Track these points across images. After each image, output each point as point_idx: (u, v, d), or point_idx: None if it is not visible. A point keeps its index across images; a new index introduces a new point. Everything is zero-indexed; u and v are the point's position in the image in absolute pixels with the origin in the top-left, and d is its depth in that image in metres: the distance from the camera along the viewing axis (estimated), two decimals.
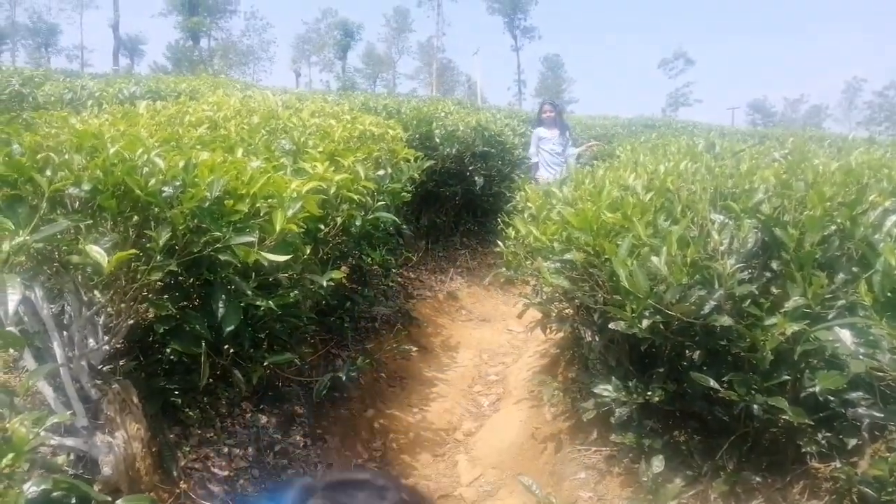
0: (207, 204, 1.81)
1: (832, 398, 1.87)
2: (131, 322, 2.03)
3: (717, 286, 1.88)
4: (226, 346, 2.41)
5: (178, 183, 1.81)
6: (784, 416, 1.87)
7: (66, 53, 57.72)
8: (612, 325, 2.03)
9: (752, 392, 1.93)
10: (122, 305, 1.93)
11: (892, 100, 70.31)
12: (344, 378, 3.04)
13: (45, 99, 4.01)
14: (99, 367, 2.05)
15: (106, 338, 2.01)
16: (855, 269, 1.92)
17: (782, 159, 2.71)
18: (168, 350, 2.26)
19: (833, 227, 1.97)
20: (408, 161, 3.70)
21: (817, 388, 1.69)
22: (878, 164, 2.44)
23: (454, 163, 5.84)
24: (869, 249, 1.86)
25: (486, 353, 4.63)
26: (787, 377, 1.87)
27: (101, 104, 3.87)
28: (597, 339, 2.63)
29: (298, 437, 2.79)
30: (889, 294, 1.76)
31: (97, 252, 1.55)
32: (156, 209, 1.77)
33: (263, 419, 2.74)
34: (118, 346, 2.19)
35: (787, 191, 2.14)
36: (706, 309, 1.86)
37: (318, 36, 62.95)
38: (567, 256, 2.25)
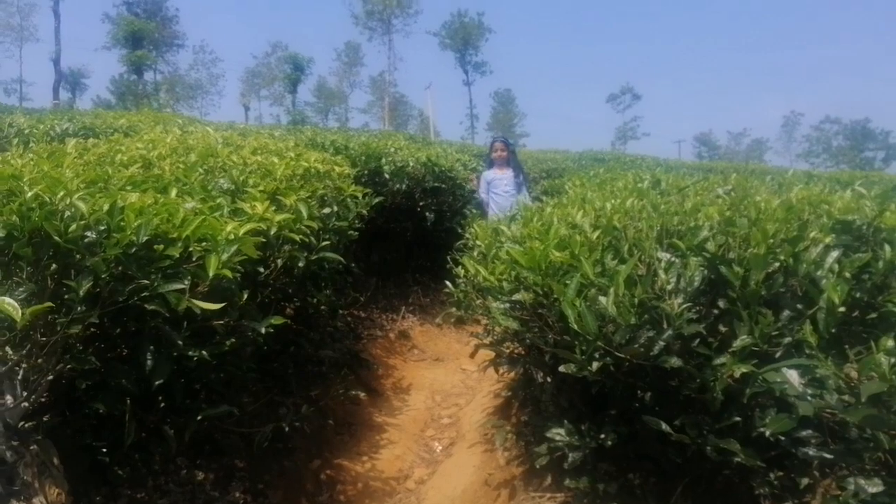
0: (134, 249, 1.70)
1: (782, 437, 1.86)
2: (51, 377, 1.88)
3: (665, 326, 1.86)
4: (158, 399, 2.26)
5: (102, 227, 1.70)
6: (737, 459, 1.85)
7: (5, 87, 56.12)
8: (562, 368, 1.98)
9: (704, 434, 1.90)
10: (40, 361, 1.78)
11: (827, 133, 74.47)
12: (287, 428, 2.90)
13: None
14: (18, 426, 1.89)
15: (24, 394, 1.86)
16: (799, 306, 1.93)
17: (726, 195, 2.76)
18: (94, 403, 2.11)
19: (777, 264, 1.99)
20: (355, 198, 3.62)
21: (767, 432, 1.66)
22: (817, 200, 2.49)
23: (404, 198, 5.80)
24: (812, 286, 1.87)
25: (439, 395, 4.53)
26: (738, 418, 1.85)
27: (29, 142, 3.69)
28: (549, 380, 2.57)
29: (238, 494, 2.63)
30: (833, 332, 1.78)
31: (9, 304, 1.43)
32: (77, 256, 1.65)
33: (200, 475, 2.58)
34: (40, 400, 2.03)
35: (731, 228, 2.15)
36: (655, 350, 1.83)
37: (268, 70, 63.09)
38: (516, 297, 2.20)
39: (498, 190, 6.60)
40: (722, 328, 2.01)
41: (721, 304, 2.01)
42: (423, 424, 4.06)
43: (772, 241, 2.00)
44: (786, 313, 1.94)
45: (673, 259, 2.00)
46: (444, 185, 6.34)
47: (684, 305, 1.83)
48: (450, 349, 5.56)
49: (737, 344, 1.79)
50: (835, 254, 1.96)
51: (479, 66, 60.08)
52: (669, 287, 1.89)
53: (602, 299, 1.80)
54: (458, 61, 59.58)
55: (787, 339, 1.88)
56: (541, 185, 8.66)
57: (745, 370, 1.69)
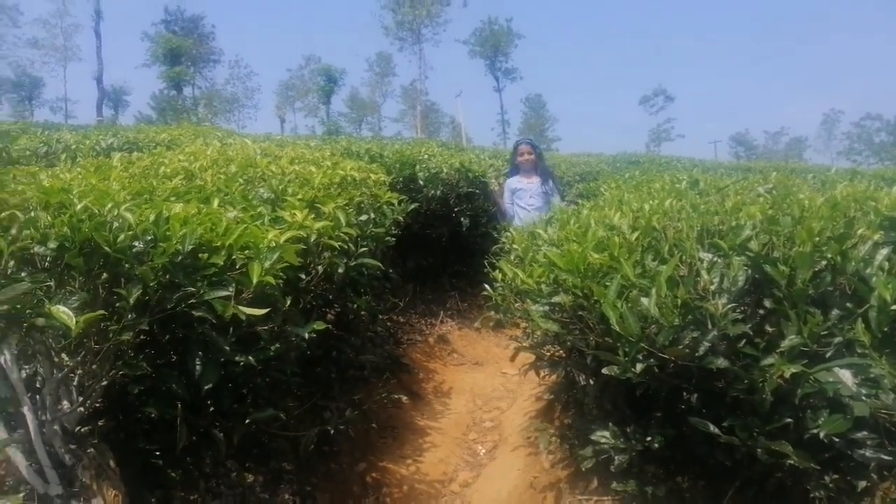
0: (180, 258, 1.75)
1: (837, 439, 1.80)
2: (105, 383, 1.94)
3: (710, 327, 1.82)
4: (207, 403, 2.31)
5: (149, 237, 1.75)
6: (789, 461, 1.80)
7: (51, 106, 58.40)
8: (605, 371, 1.96)
9: (755, 435, 1.85)
10: (94, 367, 1.84)
11: (869, 130, 72.23)
12: (332, 431, 2.93)
13: (20, 154, 3.96)
14: (74, 430, 1.95)
15: (80, 399, 1.92)
16: (849, 305, 1.88)
17: (767, 194, 2.69)
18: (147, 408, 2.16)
19: (823, 263, 1.93)
20: (391, 205, 3.65)
21: (821, 434, 1.62)
22: (863, 197, 2.42)
23: (439, 204, 5.81)
24: (861, 284, 1.81)
25: (479, 399, 4.52)
26: (789, 420, 1.80)
27: (76, 157, 3.83)
28: (591, 382, 2.55)
29: (287, 496, 2.67)
30: (886, 330, 1.72)
31: (64, 313, 1.48)
32: (126, 265, 1.70)
33: (250, 478, 2.62)
34: (95, 406, 2.09)
35: (774, 227, 2.10)
36: (700, 350, 1.80)
37: (302, 82, 64.17)
38: (555, 299, 2.19)
39: (522, 202, 5.90)
40: (768, 328, 1.97)
41: (767, 303, 1.97)
42: (466, 428, 4.06)
43: (818, 238, 1.95)
44: (834, 312, 1.88)
45: (715, 259, 1.96)
46: (477, 191, 6.34)
47: (729, 306, 1.79)
48: (489, 353, 5.55)
49: (785, 344, 1.75)
50: (884, 251, 1.90)
51: (510, 72, 60.11)
52: (713, 287, 1.85)
53: (644, 300, 1.78)
54: (488, 68, 59.71)
55: (838, 339, 1.82)
56: (575, 188, 8.57)
57: (795, 371, 1.65)
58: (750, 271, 1.93)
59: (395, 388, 4.06)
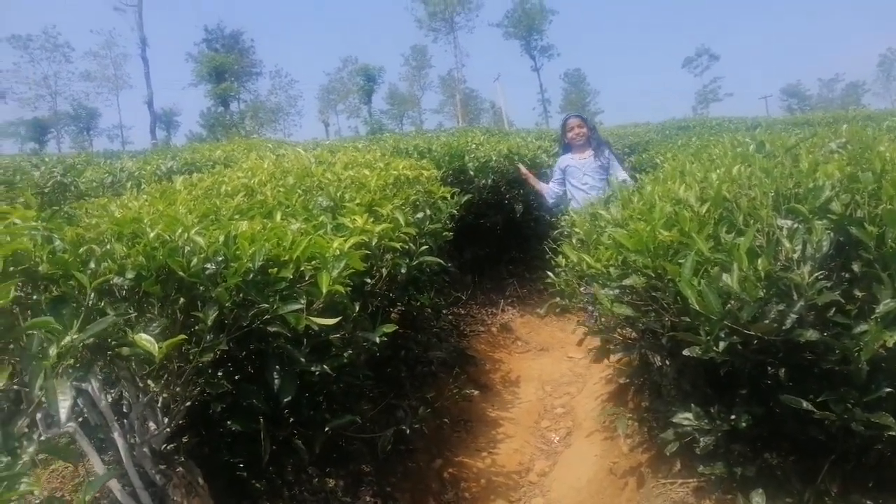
0: (251, 276, 1.77)
1: None
2: (189, 403, 2.00)
3: (795, 298, 1.74)
4: (286, 414, 2.36)
5: (220, 258, 1.78)
6: (890, 432, 1.70)
7: (107, 134, 61.29)
8: (686, 352, 1.89)
9: (850, 408, 1.76)
10: (177, 389, 1.89)
11: None
12: (407, 430, 2.95)
13: (87, 185, 4.12)
14: (162, 450, 2.02)
15: (166, 420, 1.98)
16: None
17: (841, 150, 2.55)
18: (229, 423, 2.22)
19: None
20: (445, 199, 3.64)
21: None
22: None
23: (491, 193, 5.77)
24: None
25: (548, 385, 4.48)
26: (889, 389, 1.70)
27: (140, 184, 3.96)
28: (667, 363, 2.48)
29: (368, 498, 2.71)
30: None
31: (147, 341, 1.51)
32: (201, 288, 1.74)
33: (331, 482, 2.67)
34: (179, 424, 2.16)
35: (855, 185, 1.98)
36: (788, 324, 1.71)
37: (342, 84, 64.94)
38: (626, 282, 2.13)
39: (576, 181, 5.31)
40: (858, 293, 1.86)
41: (855, 267, 1.86)
42: (537, 416, 4.04)
43: None
44: None
45: (795, 225, 1.86)
46: None
47: (815, 274, 1.70)
48: (553, 338, 5.50)
49: (881, 309, 1.64)
50: None
51: (546, 49, 59.27)
52: (795, 256, 1.76)
53: (725, 276, 1.70)
54: (523, 48, 59.04)
55: None
56: (627, 161, 8.36)
57: None
58: (833, 235, 1.82)
59: (463, 381, 4.07)
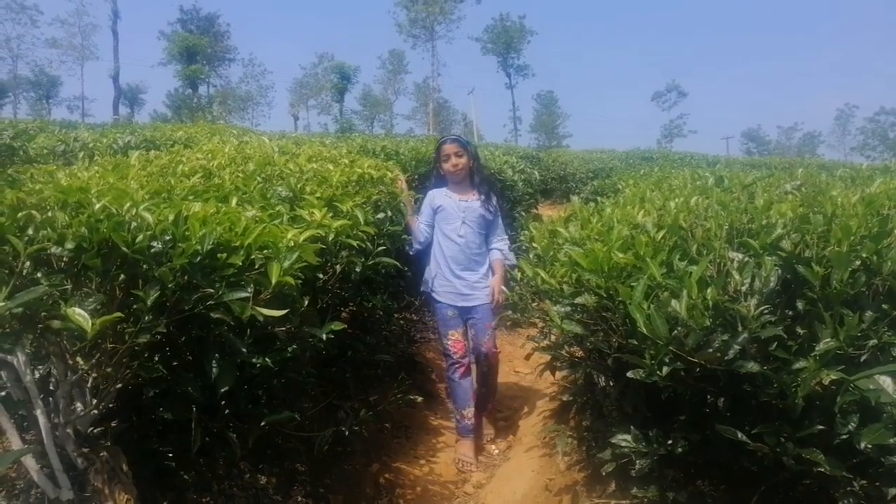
0: (199, 259, 1.71)
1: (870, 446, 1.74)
2: (120, 385, 1.91)
3: (740, 329, 1.77)
4: (222, 405, 2.29)
5: (167, 237, 1.72)
6: (819, 469, 1.74)
7: (68, 104, 59.36)
8: (630, 374, 1.91)
9: (783, 442, 1.80)
10: (109, 370, 1.81)
11: (883, 125, 71.41)
12: (346, 432, 2.90)
13: (37, 152, 3.94)
14: (87, 433, 1.93)
15: (94, 402, 1.90)
16: (884, 306, 1.82)
17: (795, 191, 2.63)
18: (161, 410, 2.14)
19: (857, 263, 1.87)
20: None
21: (862, 444, 1.56)
22: None
23: None
24: None
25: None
26: (821, 426, 1.74)
27: (94, 156, 3.82)
28: (611, 384, 2.50)
29: (300, 498, 2.65)
30: None
31: (80, 315, 1.44)
32: (144, 266, 1.67)
33: (263, 479, 2.60)
34: (108, 407, 2.07)
35: (806, 225, 2.04)
36: (730, 354, 1.74)
37: (316, 80, 64.40)
38: (578, 300, 2.14)
39: (449, 228, 3.73)
40: (800, 330, 1.91)
41: (799, 305, 1.91)
42: (479, 427, 4.02)
43: (852, 237, 1.89)
44: (868, 314, 1.82)
45: (746, 259, 1.90)
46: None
47: (761, 307, 1.74)
48: (502, 352, 5.50)
49: (820, 347, 1.69)
50: None
51: (522, 69, 60.12)
52: (743, 288, 1.80)
53: (674, 302, 1.72)
54: (500, 65, 59.74)
55: (872, 342, 1.77)
56: (590, 185, 8.48)
57: (834, 377, 1.59)
58: (781, 271, 1.87)
59: (409, 387, 4.03)
